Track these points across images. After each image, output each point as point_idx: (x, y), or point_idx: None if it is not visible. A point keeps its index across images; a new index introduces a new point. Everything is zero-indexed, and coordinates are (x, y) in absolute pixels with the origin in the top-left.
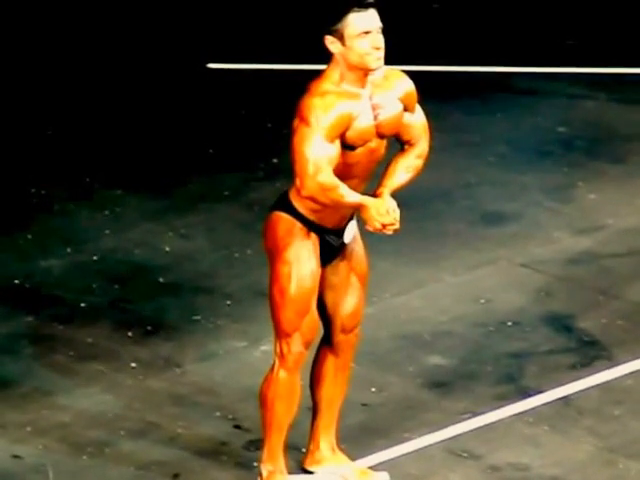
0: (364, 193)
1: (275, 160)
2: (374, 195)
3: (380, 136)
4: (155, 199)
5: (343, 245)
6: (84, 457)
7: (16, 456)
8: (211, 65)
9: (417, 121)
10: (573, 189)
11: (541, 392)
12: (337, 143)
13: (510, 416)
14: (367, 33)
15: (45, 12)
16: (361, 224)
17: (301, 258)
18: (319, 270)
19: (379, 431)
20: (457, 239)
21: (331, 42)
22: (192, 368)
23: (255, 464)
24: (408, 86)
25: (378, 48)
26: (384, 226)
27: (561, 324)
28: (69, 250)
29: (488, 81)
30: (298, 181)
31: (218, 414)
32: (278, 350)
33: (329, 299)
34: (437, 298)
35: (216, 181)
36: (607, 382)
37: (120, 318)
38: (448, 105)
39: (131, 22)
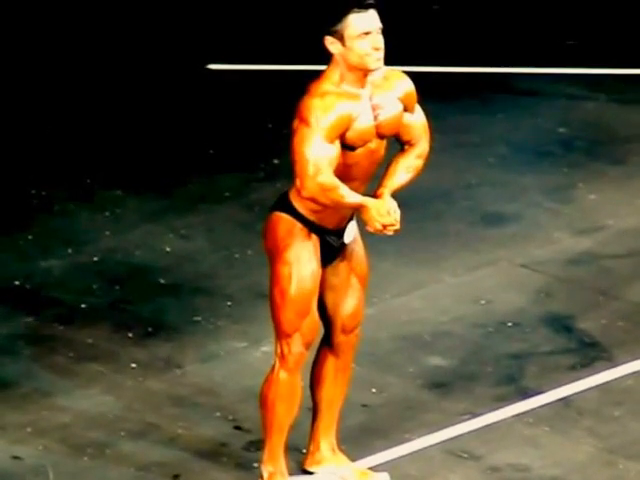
0: (365, 194)
1: (275, 161)
2: (374, 196)
3: (380, 136)
4: (155, 200)
5: (343, 246)
6: (84, 458)
7: (16, 457)
8: (211, 66)
9: (417, 121)
10: (573, 190)
11: (541, 393)
12: (337, 144)
13: (510, 417)
14: (367, 34)
15: (45, 13)
16: (361, 225)
17: (301, 259)
18: (320, 271)
19: (379, 432)
20: (457, 240)
21: (331, 43)
22: (192, 369)
23: (255, 465)
24: (408, 86)
25: (378, 49)
26: (385, 227)
27: (561, 325)
28: (69, 251)
29: (488, 82)
30: (298, 182)
31: (218, 415)
32: (279, 351)
33: (329, 300)
34: (437, 299)
35: (216, 182)
36: (607, 383)
37: (120, 319)
38: (448, 106)
39: (131, 23)
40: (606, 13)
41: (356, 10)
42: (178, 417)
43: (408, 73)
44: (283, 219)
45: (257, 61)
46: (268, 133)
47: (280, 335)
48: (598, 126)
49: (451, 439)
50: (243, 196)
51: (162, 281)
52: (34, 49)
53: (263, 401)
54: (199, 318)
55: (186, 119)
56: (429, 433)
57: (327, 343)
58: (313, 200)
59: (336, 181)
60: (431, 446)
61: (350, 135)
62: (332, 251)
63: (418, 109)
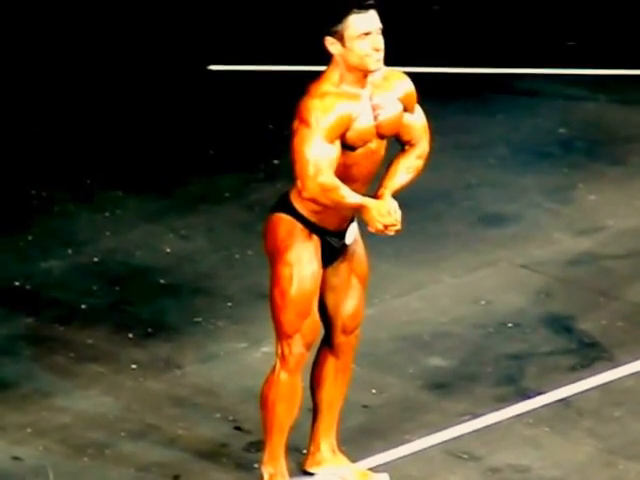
0: (366, 196)
1: (276, 161)
2: (375, 196)
3: (380, 136)
4: (155, 200)
5: (344, 246)
6: (84, 458)
7: (16, 458)
8: (212, 67)
9: (417, 121)
10: (573, 190)
11: (541, 393)
12: (337, 144)
13: (510, 417)
14: (367, 34)
15: (46, 14)
16: (361, 225)
17: (302, 260)
18: (320, 272)
19: (379, 432)
20: (457, 240)
21: (331, 43)
22: (192, 369)
23: (256, 466)
24: (408, 86)
25: (378, 49)
26: (386, 227)
27: (561, 325)
28: (69, 251)
29: (488, 82)
30: (299, 182)
31: (218, 415)
32: (279, 351)
33: (330, 300)
34: (437, 299)
35: (216, 182)
36: (607, 383)
37: (120, 320)
38: (448, 106)
39: (132, 24)
40: (606, 14)
41: (356, 11)
42: (178, 418)
43: (408, 74)
44: (284, 220)
45: (257, 62)
46: (268, 134)
47: (281, 336)
48: (598, 127)
49: (451, 440)
50: (243, 197)
51: (162, 282)
52: (35, 50)
53: (263, 402)
54: (199, 319)
55: (186, 120)
56: (429, 434)
57: (327, 344)
58: (314, 201)
59: (337, 181)
60: (431, 447)
61: (350, 135)
62: (333, 252)
63: (418, 109)
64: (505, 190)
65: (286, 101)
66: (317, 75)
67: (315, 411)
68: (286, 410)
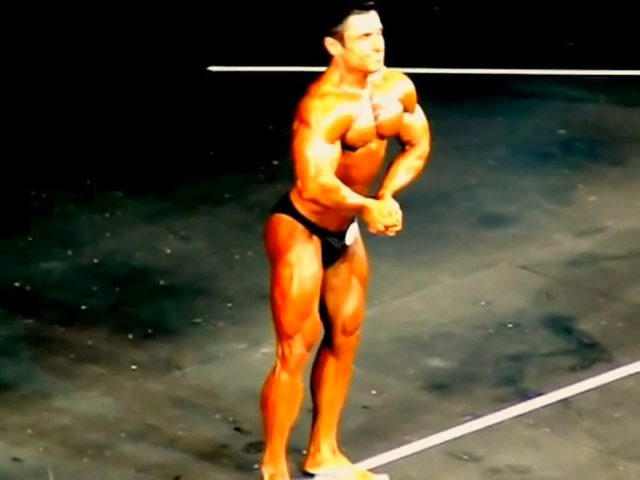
0: (366, 196)
1: (276, 162)
2: (376, 197)
3: (380, 137)
4: (155, 201)
5: (344, 247)
6: (84, 460)
7: (16, 459)
8: (212, 68)
9: (417, 121)
10: (573, 191)
11: (541, 394)
12: (338, 144)
13: (510, 418)
14: (367, 35)
15: (47, 14)
16: (362, 226)
17: (303, 260)
18: (321, 272)
19: (379, 433)
20: (457, 241)
21: (331, 44)
22: (192, 370)
23: (256, 466)
24: (408, 87)
25: (378, 50)
26: (387, 228)
27: (561, 326)
28: (69, 253)
29: (488, 83)
30: (299, 183)
31: (218, 416)
32: (280, 352)
33: (330, 301)
34: (437, 300)
35: (216, 183)
36: (607, 384)
37: (120, 321)
38: (448, 107)
39: (132, 24)
40: (606, 14)
41: (356, 11)
42: (178, 419)
43: (408, 74)
44: (284, 220)
45: (257, 63)
46: (268, 134)
47: (281, 336)
48: (598, 128)
49: (451, 440)
50: (243, 197)
51: (162, 283)
52: (35, 50)
53: (264, 402)
54: (199, 320)
55: (186, 121)
56: (429, 434)
57: (327, 344)
58: (314, 201)
59: (337, 182)
60: (431, 447)
61: (350, 135)
62: (333, 252)
63: (418, 110)
64: (505, 191)
65: (286, 102)
66: (317, 76)
67: (315, 412)
68: (286, 411)
